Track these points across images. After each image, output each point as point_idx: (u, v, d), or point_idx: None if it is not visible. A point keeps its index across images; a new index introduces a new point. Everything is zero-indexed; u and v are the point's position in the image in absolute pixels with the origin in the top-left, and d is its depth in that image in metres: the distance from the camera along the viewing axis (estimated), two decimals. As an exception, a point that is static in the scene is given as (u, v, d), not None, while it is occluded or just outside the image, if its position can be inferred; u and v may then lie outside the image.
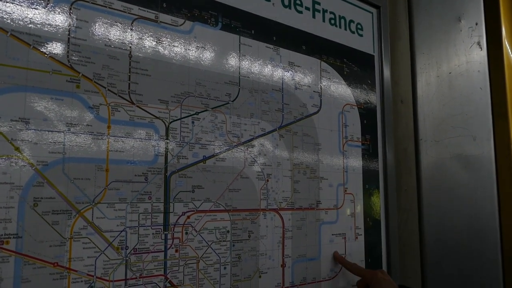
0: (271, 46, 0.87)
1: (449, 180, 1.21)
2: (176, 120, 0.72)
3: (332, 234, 0.94)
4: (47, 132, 0.59)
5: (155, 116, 0.69)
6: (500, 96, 1.20)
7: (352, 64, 1.04)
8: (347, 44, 1.03)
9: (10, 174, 0.55)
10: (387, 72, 1.13)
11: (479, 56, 1.22)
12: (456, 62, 1.24)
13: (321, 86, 0.96)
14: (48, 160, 0.59)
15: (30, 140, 0.57)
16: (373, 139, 1.07)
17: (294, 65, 0.91)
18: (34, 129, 0.58)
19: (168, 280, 0.69)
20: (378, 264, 1.05)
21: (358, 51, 1.06)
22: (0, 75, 0.56)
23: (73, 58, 0.62)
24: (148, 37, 0.70)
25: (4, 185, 0.55)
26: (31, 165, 0.57)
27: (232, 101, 0.80)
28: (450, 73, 1.24)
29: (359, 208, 1.01)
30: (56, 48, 0.60)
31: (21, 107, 0.57)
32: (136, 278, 0.65)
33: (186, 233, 0.72)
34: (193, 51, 0.75)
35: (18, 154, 0.56)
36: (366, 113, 1.06)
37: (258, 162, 0.83)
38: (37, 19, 0.59)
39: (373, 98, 1.09)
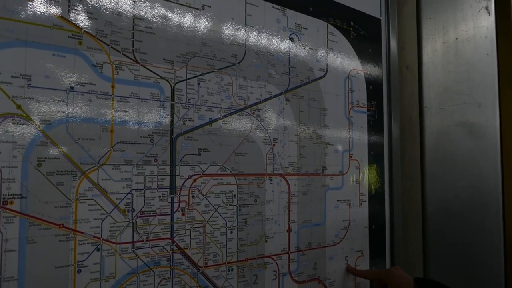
0: (278, 6, 0.84)
1: (453, 148, 1.20)
2: (182, 81, 0.69)
3: (337, 200, 0.94)
4: (49, 90, 0.56)
5: (160, 76, 0.67)
6: (507, 63, 1.18)
7: (358, 28, 1.01)
8: (354, 6, 1.00)
9: (12, 133, 0.53)
10: (393, 37, 1.10)
11: (487, 21, 1.20)
12: (463, 28, 1.21)
13: (327, 49, 0.93)
14: (51, 119, 0.56)
15: (32, 97, 0.55)
16: (379, 106, 1.05)
17: (301, 27, 0.88)
18: (36, 87, 0.55)
19: (175, 243, 0.68)
20: (382, 231, 1.04)
21: (365, 15, 1.03)
22: (5, 29, 0.53)
23: (75, 13, 0.59)
24: (152, -8, 0.67)
25: (7, 144, 0.53)
26: (34, 124, 0.55)
27: (238, 62, 0.77)
28: (456, 39, 1.21)
29: (364, 175, 1.00)
30: (57, 1, 0.57)
31: (22, 63, 0.55)
32: (143, 241, 0.64)
33: (193, 196, 0.70)
34: (199, 10, 0.72)
35: (20, 112, 0.54)
36: (372, 79, 1.03)
37: (264, 126, 0.81)
38: (36, -30, 0.56)
39: (379, 63, 1.06)
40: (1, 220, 0.52)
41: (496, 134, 1.17)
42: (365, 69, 1.02)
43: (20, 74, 0.54)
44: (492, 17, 1.20)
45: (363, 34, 1.02)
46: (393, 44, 1.10)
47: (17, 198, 0.54)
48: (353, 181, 0.98)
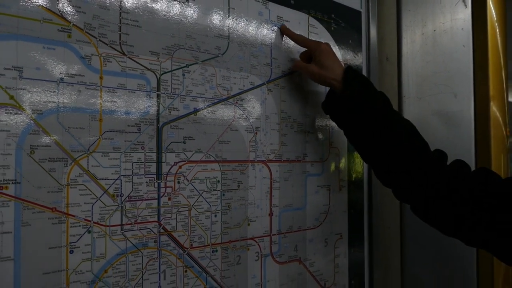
0: (260, 0, 0.88)
1: (430, 136, 1.25)
2: (167, 72, 0.73)
3: (318, 186, 0.98)
4: (40, 81, 0.59)
5: (147, 68, 0.70)
6: (482, 54, 1.23)
7: (339, 20, 1.04)
8: (335, -1, 1.04)
9: (6, 122, 0.57)
10: (373, 29, 1.14)
11: (464, 13, 1.24)
12: (441, 20, 1.26)
13: (308, 41, 0.97)
14: (43, 109, 0.60)
15: (24, 88, 0.58)
16: (358, 95, 1.09)
17: (283, 20, 0.92)
18: (28, 78, 0.58)
19: (162, 226, 0.72)
20: (361, 215, 1.10)
21: (346, 7, 1.07)
22: (-7, 23, 0.56)
23: (63, 6, 0.62)
24: (138, -13, 0.70)
25: (1, 132, 0.56)
26: (26, 114, 0.58)
27: (222, 54, 0.81)
28: (434, 30, 1.26)
29: (343, 162, 1.05)
30: (47, -4, 0.60)
31: (14, 55, 0.57)
32: (131, 223, 0.68)
33: (178, 182, 0.74)
34: (183, 3, 0.75)
35: (13, 102, 0.57)
36: (352, 69, 1.07)
37: (247, 115, 0.85)
38: (26, -34, 0.59)
39: (359, 54, 1.10)
40: (-3, 204, 0.56)
41: (470, 123, 1.23)
42: (345, 59, 1.06)
43: (12, 66, 0.57)
44: (468, 10, 1.24)
45: (343, 26, 1.06)
46: (373, 36, 1.14)
47: (12, 183, 0.57)
48: (333, 168, 1.02)
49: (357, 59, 1.09)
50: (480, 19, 1.23)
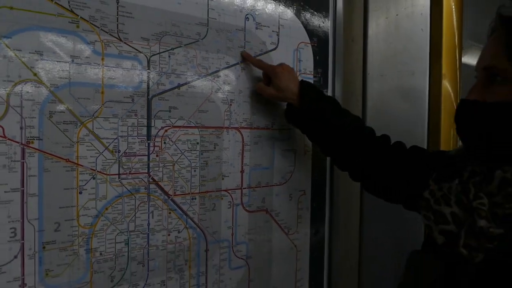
0: (236, -9, 1.04)
1: (390, 108, 1.44)
2: (156, 54, 0.91)
3: (284, 149, 1.17)
4: (56, 62, 0.78)
5: (139, 51, 0.88)
6: (437, 37, 1.40)
7: (307, 7, 1.21)
8: (304, -11, 1.20)
9: (31, 93, 0.75)
10: (340, 14, 1.30)
11: (423, 0, 1.40)
12: (403, 5, 1.42)
13: (279, 26, 1.14)
14: (58, 83, 0.78)
15: (44, 68, 0.76)
16: (324, 73, 1.27)
17: (256, 8, 1.08)
18: (47, 60, 0.76)
19: (151, 176, 0.91)
20: (323, 174, 1.29)
21: (314, -5, 1.23)
22: (21, 17, 0.73)
23: (73, 3, 0.79)
24: (131, -15, 0.87)
25: (28, 101, 0.75)
26: (46, 87, 0.77)
27: (202, 39, 0.98)
28: (397, 15, 1.42)
29: (308, 130, 1.23)
30: (60, -5, 0.78)
31: (36, 42, 0.75)
32: (126, 173, 0.88)
33: (164, 142, 0.93)
34: (169, -3, 0.92)
35: (36, 78, 0.76)
36: (319, 50, 1.25)
37: (223, 89, 1.03)
38: (44, -28, 0.76)
39: (326, 37, 1.27)
40: (26, 154, 0.75)
41: (425, 98, 1.41)
42: (313, 41, 1.23)
43: (35, 51, 0.75)
44: (427, -3, 1.40)
45: (312, 12, 1.22)
46: (340, 20, 1.30)
47: (36, 139, 0.76)
48: (299, 134, 1.21)
49: (324, 41, 1.26)
50: (437, 5, 1.40)
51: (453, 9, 1.43)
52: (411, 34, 1.41)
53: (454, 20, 1.43)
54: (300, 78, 1.09)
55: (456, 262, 0.72)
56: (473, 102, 0.71)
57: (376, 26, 1.43)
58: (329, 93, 1.29)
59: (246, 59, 1.06)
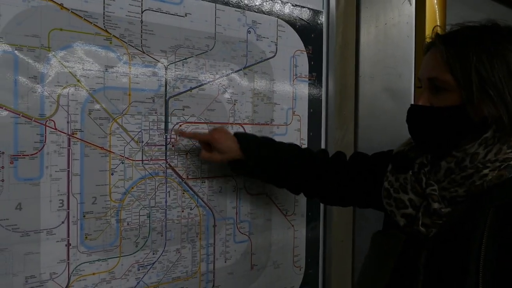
0: (239, 10, 1.24)
1: (379, 107, 1.62)
2: (172, 63, 1.11)
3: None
4: (94, 71, 0.99)
5: (158, 61, 1.09)
6: (421, 43, 1.57)
7: (303, 19, 1.40)
8: (300, 3, 1.39)
9: (75, 95, 0.97)
10: (332, 24, 1.48)
11: (409, 10, 1.58)
12: (391, 15, 1.60)
13: (277, 37, 1.33)
14: (96, 87, 0.99)
15: (84, 75, 0.98)
16: (319, 76, 1.46)
17: (256, 23, 1.28)
18: (87, 69, 0.98)
19: (168, 163, 1.12)
20: (317, 165, 1.48)
21: (309, 9, 1.42)
22: (69, 37, 0.95)
23: (107, 24, 1.01)
24: (153, 10, 1.07)
25: (73, 101, 0.96)
26: (86, 90, 0.98)
27: (210, 50, 1.19)
28: (385, 24, 1.60)
29: (304, 125, 1.42)
30: (97, 19, 0.99)
31: (80, 55, 0.97)
32: (148, 160, 1.09)
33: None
34: (183, 16, 1.13)
35: (79, 84, 0.97)
36: (314, 56, 1.43)
37: (228, 91, 1.23)
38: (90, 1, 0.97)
39: (320, 45, 1.45)
40: (71, 143, 0.96)
41: (410, 97, 1.59)
42: (308, 49, 1.42)
43: (78, 62, 0.97)
44: (413, 7, 1.58)
45: (307, 24, 1.41)
46: (332, 29, 1.48)
47: (78, 131, 0.98)
48: (295, 130, 1.40)
49: (318, 48, 1.44)
50: (421, 15, 1.57)
51: (437, 19, 1.60)
52: (398, 41, 1.59)
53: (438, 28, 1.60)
54: (232, 132, 1.13)
55: (415, 237, 0.87)
56: (421, 107, 0.86)
57: (368, 34, 1.62)
58: (324, 93, 1.47)
59: (181, 135, 1.13)
